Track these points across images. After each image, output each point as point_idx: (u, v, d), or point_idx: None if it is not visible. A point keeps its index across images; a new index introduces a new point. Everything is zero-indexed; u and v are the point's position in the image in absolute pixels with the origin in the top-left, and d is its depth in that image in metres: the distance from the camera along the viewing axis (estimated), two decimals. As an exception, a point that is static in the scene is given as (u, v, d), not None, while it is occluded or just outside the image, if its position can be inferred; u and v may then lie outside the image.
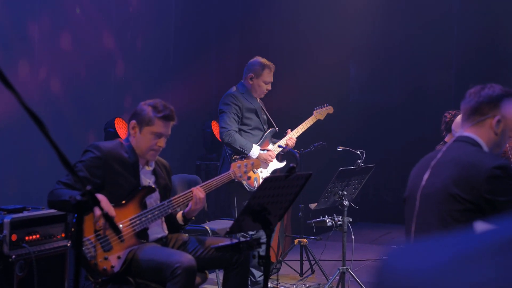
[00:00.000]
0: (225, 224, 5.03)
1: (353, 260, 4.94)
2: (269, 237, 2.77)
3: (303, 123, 5.22)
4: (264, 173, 4.92)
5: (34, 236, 3.68)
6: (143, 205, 3.41)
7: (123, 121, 5.30)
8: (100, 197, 3.12)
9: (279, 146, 4.99)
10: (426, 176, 2.47)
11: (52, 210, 3.69)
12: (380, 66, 8.50)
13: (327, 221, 4.64)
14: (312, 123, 5.27)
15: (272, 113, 5.22)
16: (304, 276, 5.51)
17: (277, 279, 5.12)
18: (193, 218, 3.60)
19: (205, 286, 4.53)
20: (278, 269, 5.36)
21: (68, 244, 3.85)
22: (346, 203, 4.58)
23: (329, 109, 5.40)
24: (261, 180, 4.80)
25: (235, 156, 4.68)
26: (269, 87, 5.04)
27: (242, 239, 4.14)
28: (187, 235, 3.68)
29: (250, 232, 4.73)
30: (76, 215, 1.91)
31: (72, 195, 3.09)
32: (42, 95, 5.31)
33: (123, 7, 6.32)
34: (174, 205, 3.44)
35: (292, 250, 5.69)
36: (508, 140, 2.55)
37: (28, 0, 5.22)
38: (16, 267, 3.52)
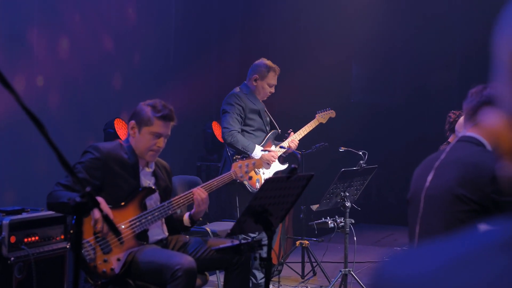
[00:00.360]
0: (226, 225, 5.01)
1: (355, 262, 4.90)
2: (270, 238, 2.74)
3: (305, 126, 5.22)
4: (266, 174, 4.89)
5: (33, 238, 3.65)
6: (143, 207, 3.39)
7: (123, 122, 5.27)
8: (99, 199, 3.09)
9: (281, 147, 4.96)
10: (430, 177, 2.44)
11: (51, 212, 3.66)
12: (382, 66, 8.47)
13: (329, 222, 4.61)
14: (314, 126, 5.28)
15: (274, 114, 5.20)
16: (305, 278, 5.49)
17: (279, 281, 5.09)
18: (200, 219, 3.59)
19: (206, 288, 4.50)
20: (280, 271, 5.33)
21: (67, 246, 3.82)
22: (348, 204, 4.55)
23: (331, 113, 5.41)
24: (263, 182, 4.77)
25: (236, 156, 4.65)
26: (273, 90, 5.03)
27: (243, 241, 4.10)
28: (187, 236, 3.66)
29: (252, 235, 4.70)
30: (75, 216, 1.89)
31: (71, 197, 3.07)
32: (42, 96, 5.28)
33: (123, 7, 6.29)
34: (174, 206, 3.41)
35: (293, 252, 5.66)
36: None
37: (26, 7, 5.18)
38: (15, 269, 3.49)
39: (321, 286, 5.27)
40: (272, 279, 5.01)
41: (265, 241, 2.94)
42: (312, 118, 5.33)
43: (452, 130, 4.52)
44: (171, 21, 6.97)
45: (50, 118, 5.18)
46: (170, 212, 3.41)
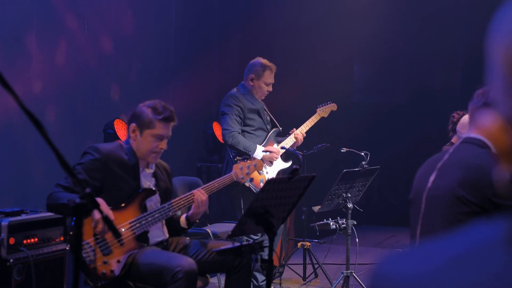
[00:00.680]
0: (227, 227, 4.97)
1: (358, 264, 4.87)
2: (272, 240, 2.71)
3: (307, 121, 5.18)
4: (270, 173, 4.85)
5: (32, 240, 3.63)
6: (143, 208, 3.37)
7: (123, 122, 5.24)
8: (99, 200, 3.07)
9: (282, 148, 4.93)
10: (432, 178, 2.42)
11: (51, 213, 3.64)
12: (384, 66, 8.44)
13: (331, 224, 4.58)
14: (316, 121, 5.23)
15: (275, 113, 5.17)
16: (307, 280, 5.46)
17: (280, 283, 5.06)
18: (197, 221, 3.56)
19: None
20: (281, 273, 5.31)
21: (67, 248, 3.79)
22: (350, 205, 4.52)
23: (332, 106, 5.35)
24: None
25: (237, 158, 4.62)
26: (270, 89, 4.99)
27: (244, 242, 4.08)
28: (188, 238, 3.64)
29: (254, 237, 4.66)
30: (74, 218, 1.87)
31: (70, 198, 3.04)
32: (40, 99, 5.26)
33: (123, 8, 6.27)
34: (174, 207, 3.39)
35: (295, 254, 5.64)
36: None
37: (25, 12, 5.15)
38: (14, 271, 3.47)
39: (323, 288, 5.25)
40: (273, 281, 4.98)
41: (266, 243, 2.92)
42: (314, 114, 5.28)
43: (455, 131, 4.49)
44: (171, 22, 6.95)
45: (48, 121, 5.17)
46: (170, 213, 3.39)
